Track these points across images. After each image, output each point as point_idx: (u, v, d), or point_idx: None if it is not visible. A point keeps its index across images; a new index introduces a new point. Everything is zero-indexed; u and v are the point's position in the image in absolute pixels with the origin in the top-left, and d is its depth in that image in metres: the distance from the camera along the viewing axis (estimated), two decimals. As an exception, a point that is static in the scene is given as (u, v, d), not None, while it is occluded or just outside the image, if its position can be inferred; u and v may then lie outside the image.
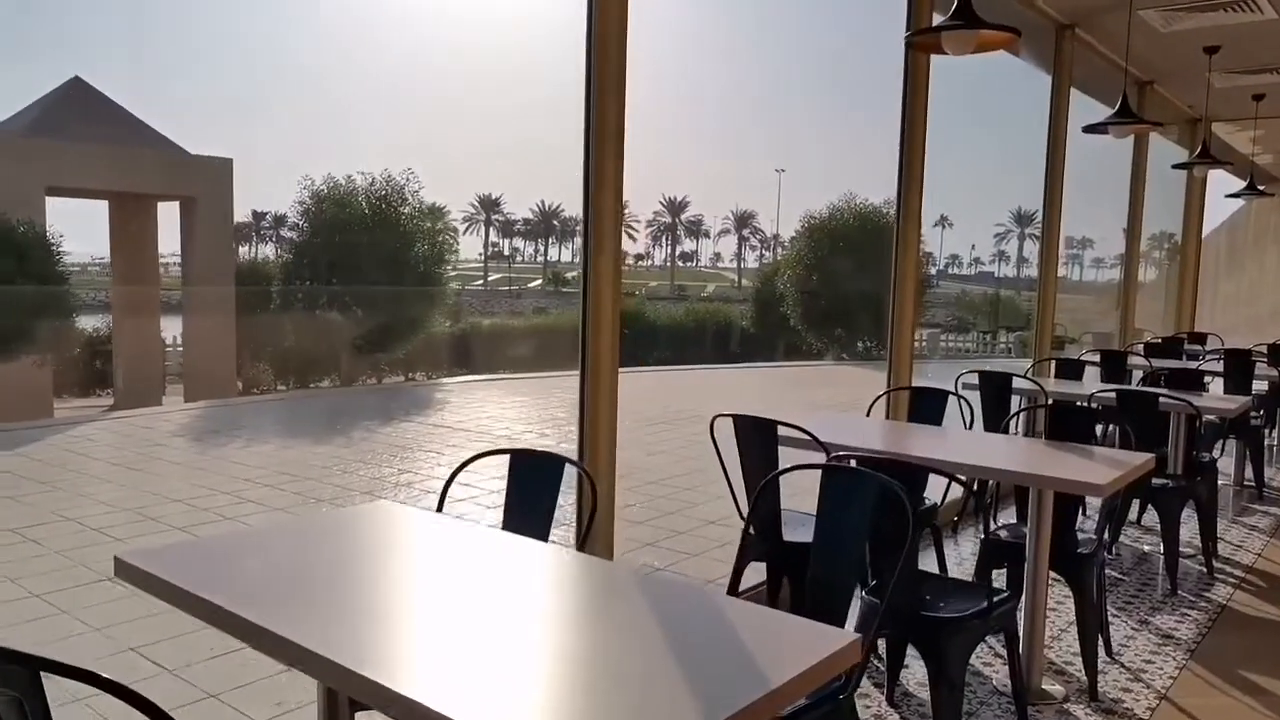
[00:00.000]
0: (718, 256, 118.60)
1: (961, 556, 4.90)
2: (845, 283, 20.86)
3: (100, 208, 17.90)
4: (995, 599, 2.90)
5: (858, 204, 21.83)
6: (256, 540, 2.37)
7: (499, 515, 2.73)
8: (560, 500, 2.69)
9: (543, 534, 2.57)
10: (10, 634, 4.18)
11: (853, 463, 2.99)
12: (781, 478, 3.20)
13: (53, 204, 15.59)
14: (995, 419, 5.20)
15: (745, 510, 3.60)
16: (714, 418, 3.59)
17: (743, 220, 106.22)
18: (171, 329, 18.98)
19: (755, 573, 3.68)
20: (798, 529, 3.57)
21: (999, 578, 3.63)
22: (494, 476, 6.28)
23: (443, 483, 2.70)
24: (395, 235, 17.24)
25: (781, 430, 3.56)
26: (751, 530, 3.44)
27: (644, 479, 7.51)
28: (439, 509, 2.60)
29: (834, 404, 12.68)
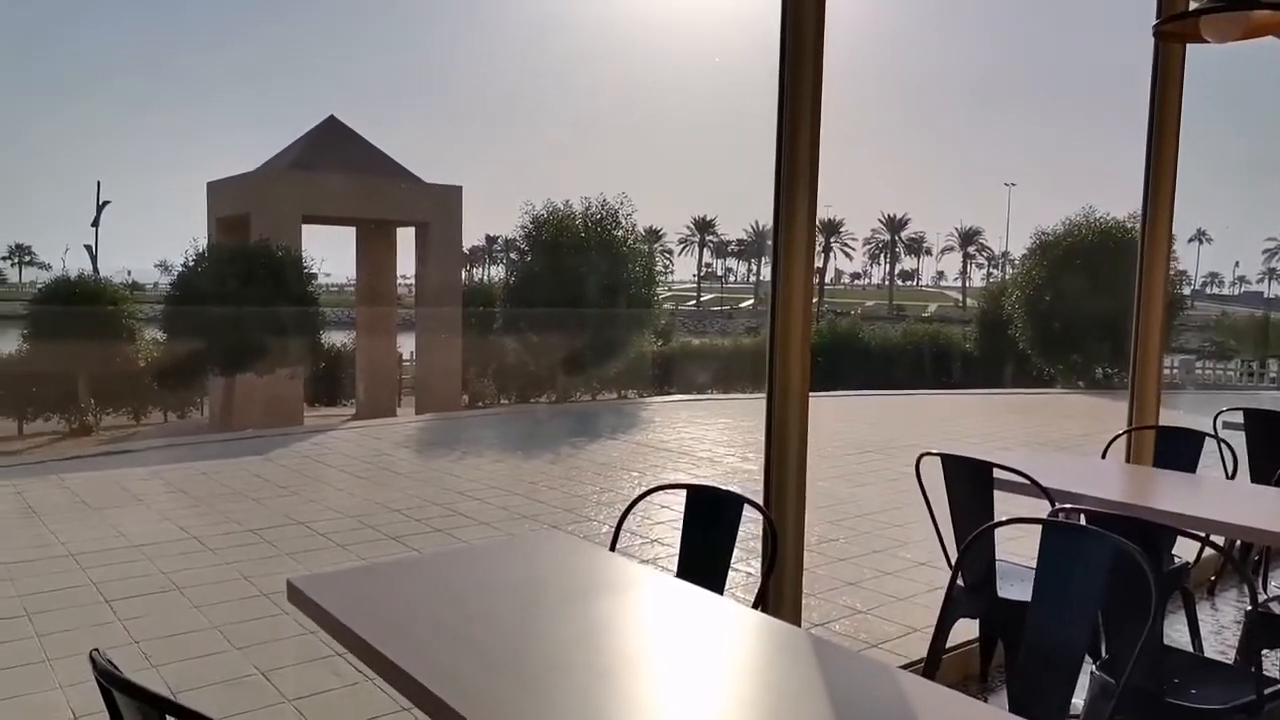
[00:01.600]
0: (940, 275, 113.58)
1: (1220, 625, 4.21)
2: (1082, 304, 19.18)
3: (348, 234, 19.61)
4: (1266, 690, 2.40)
5: (1097, 218, 20.05)
6: (428, 570, 2.34)
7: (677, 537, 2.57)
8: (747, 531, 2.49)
9: (718, 582, 2.38)
10: (242, 629, 4.49)
11: (1082, 518, 2.58)
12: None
13: (308, 230, 17.24)
14: (1265, 467, 4.45)
15: (954, 559, 3.24)
16: (920, 456, 3.26)
17: (968, 237, 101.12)
18: (406, 345, 20.43)
19: (965, 628, 3.30)
20: (1015, 584, 3.17)
21: (1270, 660, 3.04)
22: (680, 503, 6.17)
23: (637, 513, 2.57)
24: (610, 257, 17.66)
25: (998, 473, 3.18)
26: (960, 582, 3.08)
27: (850, 511, 7.12)
28: (612, 547, 2.48)
29: (1064, 439, 11.60)
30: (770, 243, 2.97)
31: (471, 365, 20.14)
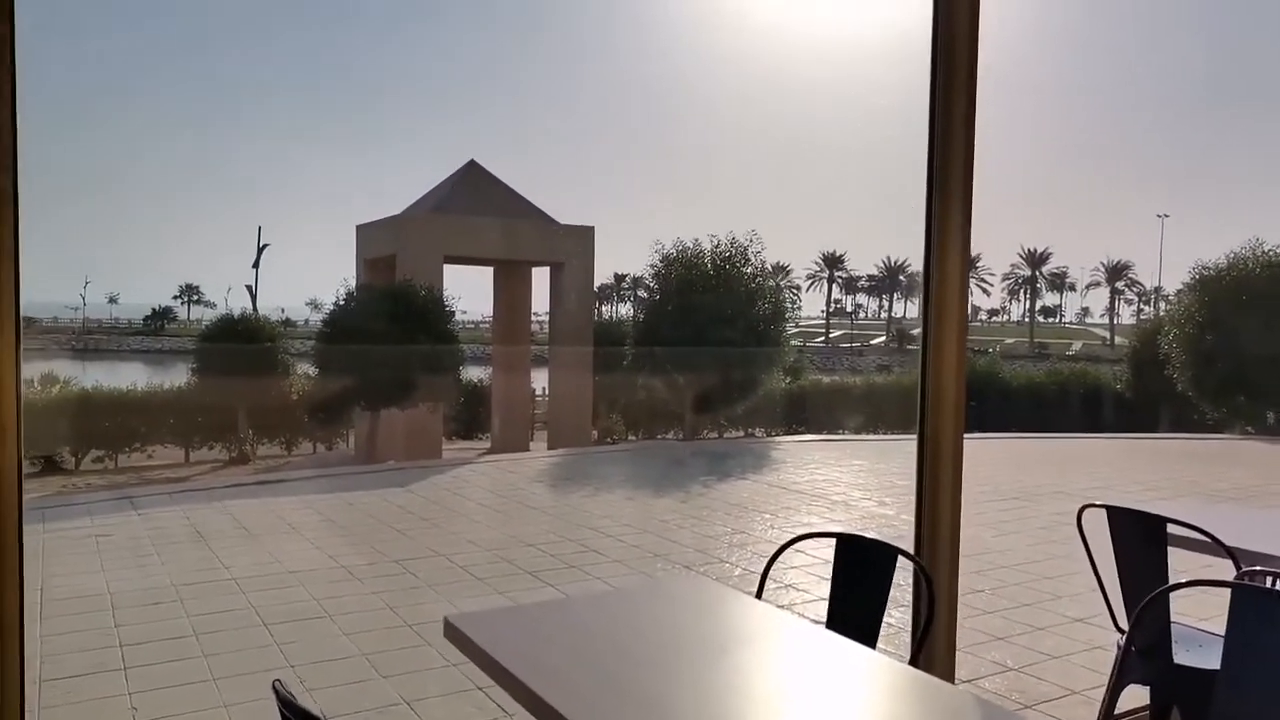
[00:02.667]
0: (1085, 311, 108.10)
1: None
2: (1249, 343, 17.83)
3: (484, 273, 20.33)
4: None
5: (1266, 251, 18.67)
6: (578, 612, 2.36)
7: (825, 588, 2.50)
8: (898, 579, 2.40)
9: (871, 634, 2.30)
10: (389, 658, 4.64)
11: (1278, 582, 2.37)
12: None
13: (449, 271, 17.97)
14: None
15: (1123, 620, 3.03)
16: (1081, 509, 3.07)
17: (1115, 272, 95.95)
18: (538, 381, 20.92)
19: (1134, 695, 3.07)
20: (1194, 650, 2.93)
21: None
22: (826, 546, 6.02)
23: (770, 554, 2.52)
24: (738, 294, 17.64)
25: (1172, 528, 2.96)
26: (1133, 647, 2.87)
27: (994, 562, 6.79)
28: (759, 594, 2.44)
29: (1234, 490, 10.75)
30: (921, 279, 2.89)
31: (601, 401, 20.42)
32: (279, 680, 1.49)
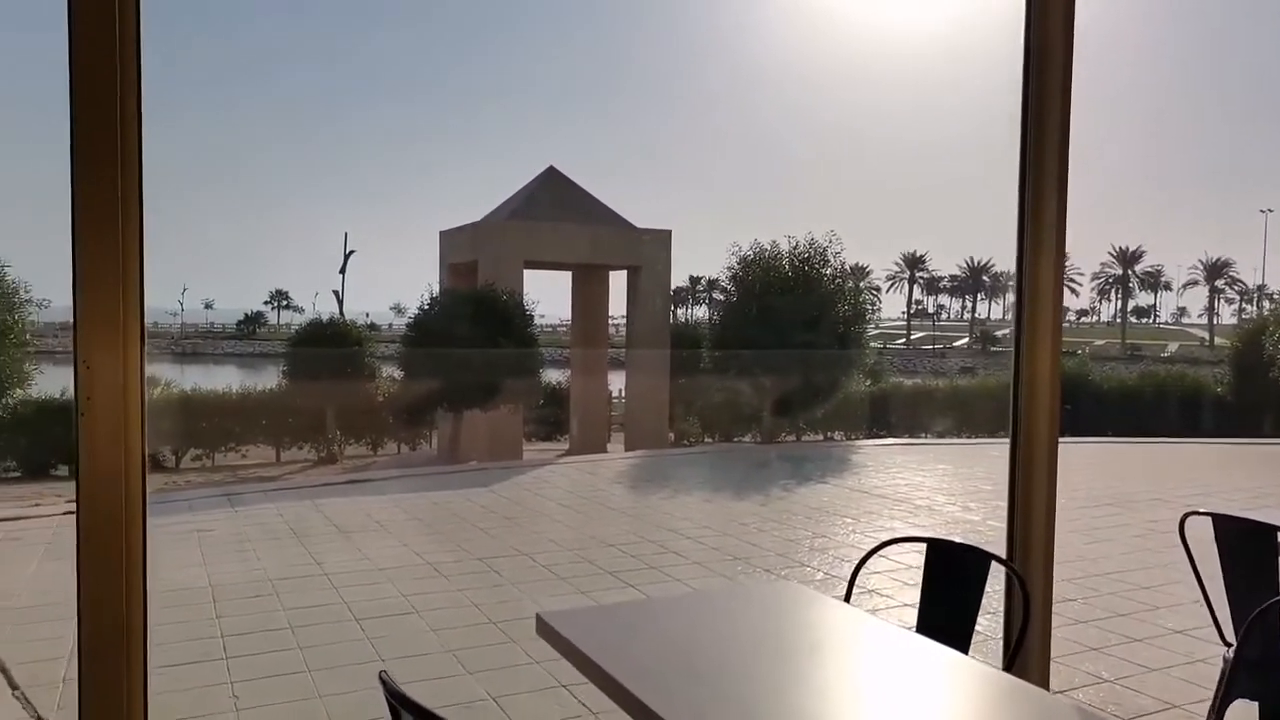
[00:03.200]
0: (1182, 311, 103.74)
1: None
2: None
3: (564, 277, 20.55)
4: None
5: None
6: (663, 612, 2.38)
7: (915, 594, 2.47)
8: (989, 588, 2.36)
9: (963, 641, 2.26)
10: (475, 655, 4.74)
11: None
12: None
13: (528, 275, 18.23)
14: None
15: (1229, 633, 2.92)
16: (1184, 516, 2.97)
17: (1215, 270, 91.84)
18: (615, 383, 21.04)
19: (1243, 710, 2.95)
20: (1306, 666, 2.80)
21: None
22: (910, 551, 5.91)
23: (855, 562, 2.51)
24: (817, 296, 17.45)
25: (1283, 538, 2.84)
26: (1242, 660, 2.76)
27: (1086, 570, 6.58)
28: (847, 598, 2.42)
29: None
30: (1008, 279, 2.83)
31: (677, 404, 20.44)
32: (385, 671, 1.55)
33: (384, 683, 1.50)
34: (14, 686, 4.30)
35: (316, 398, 17.99)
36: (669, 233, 19.54)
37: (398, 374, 18.68)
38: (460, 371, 16.23)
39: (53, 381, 14.50)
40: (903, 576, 6.09)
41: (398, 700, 1.47)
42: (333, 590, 5.96)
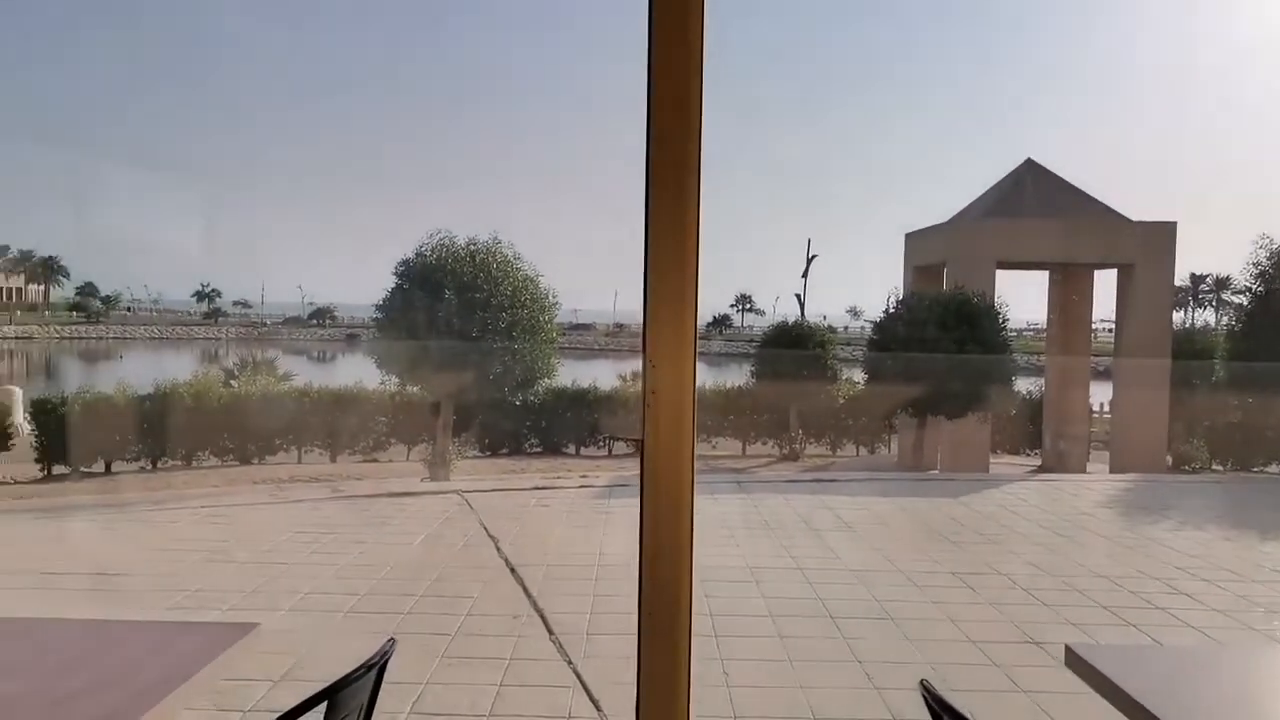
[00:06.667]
0: None
1: None
2: None
3: (1037, 277, 19.00)
4: None
5: None
6: (1225, 662, 2.05)
7: None
8: None
9: None
10: (958, 672, 4.57)
11: None
12: None
13: (1000, 276, 17.16)
14: None
15: None
16: None
17: None
18: (1098, 396, 18.94)
19: None
20: None
21: None
22: None
23: None
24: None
25: None
26: None
27: None
28: None
29: None
30: None
31: (1177, 422, 17.79)
32: (925, 680, 1.53)
33: (927, 690, 1.48)
34: (550, 632, 5.09)
35: (780, 397, 18.79)
36: (1173, 225, 17.11)
37: (858, 377, 18.78)
38: (925, 377, 15.83)
39: (565, 374, 17.05)
40: None
41: (941, 708, 1.44)
42: (807, 585, 6.15)
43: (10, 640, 2.07)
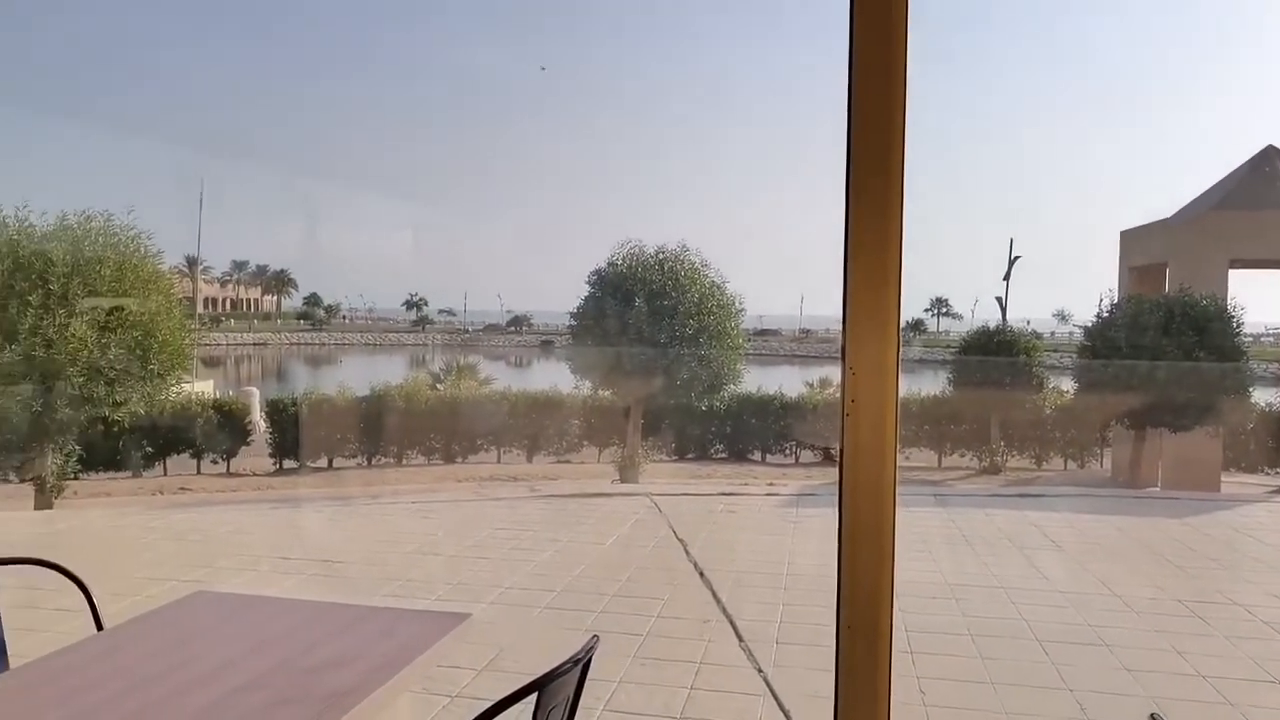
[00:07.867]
0: None
1: None
2: None
3: (1267, 276, 17.11)
4: None
5: None
6: None
7: None
8: None
9: None
10: (1189, 711, 4.19)
11: None
12: None
13: (1233, 276, 15.56)
14: None
15: None
16: None
17: None
18: (1355, 409, 16.78)
19: None
20: None
21: None
22: None
23: None
24: None
25: None
26: None
27: None
28: None
29: None
30: None
31: None
32: (1158, 714, 1.42)
33: (1161, 728, 1.37)
34: (740, 639, 5.09)
35: (980, 406, 17.89)
36: None
37: (1067, 386, 17.58)
38: (1145, 387, 14.59)
39: (751, 380, 16.99)
40: None
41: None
42: (1011, 605, 5.82)
43: (267, 619, 2.33)
